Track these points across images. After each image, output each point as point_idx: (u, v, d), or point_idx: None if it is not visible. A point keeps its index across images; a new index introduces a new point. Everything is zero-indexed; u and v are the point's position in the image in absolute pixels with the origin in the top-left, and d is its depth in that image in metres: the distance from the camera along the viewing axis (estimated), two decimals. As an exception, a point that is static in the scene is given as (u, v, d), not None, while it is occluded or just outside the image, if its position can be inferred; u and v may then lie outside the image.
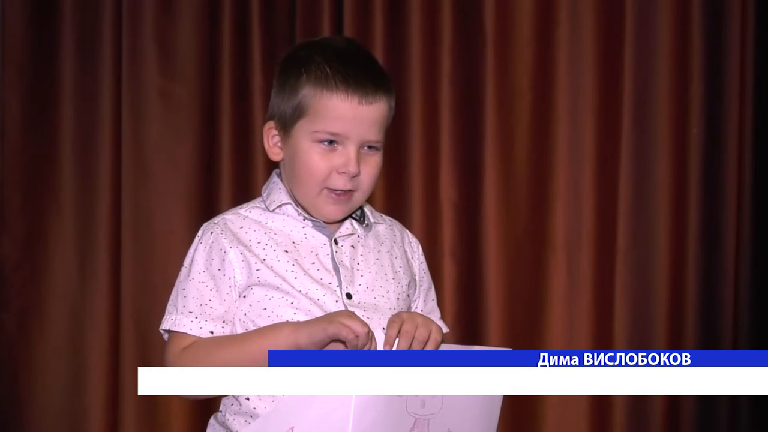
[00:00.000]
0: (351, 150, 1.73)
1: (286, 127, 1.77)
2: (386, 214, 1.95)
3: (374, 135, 1.75)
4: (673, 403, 3.20)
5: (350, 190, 1.76)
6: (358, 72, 1.74)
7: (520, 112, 3.25)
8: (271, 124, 1.80)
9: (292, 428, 1.61)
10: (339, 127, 1.73)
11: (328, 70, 1.73)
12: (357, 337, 1.59)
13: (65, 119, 3.29)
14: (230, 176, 3.27)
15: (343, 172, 1.74)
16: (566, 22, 3.21)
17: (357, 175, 1.74)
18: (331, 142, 1.74)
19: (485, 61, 3.22)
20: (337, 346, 1.62)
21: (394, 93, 1.79)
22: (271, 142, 1.81)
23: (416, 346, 1.63)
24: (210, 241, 1.76)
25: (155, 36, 3.30)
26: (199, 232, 1.79)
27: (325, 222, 1.79)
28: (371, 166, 1.76)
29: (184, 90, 3.31)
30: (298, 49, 1.83)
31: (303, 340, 1.63)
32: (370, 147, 1.76)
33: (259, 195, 1.86)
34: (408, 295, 1.84)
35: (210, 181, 3.30)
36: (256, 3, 3.27)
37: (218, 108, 3.28)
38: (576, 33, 3.22)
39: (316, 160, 1.74)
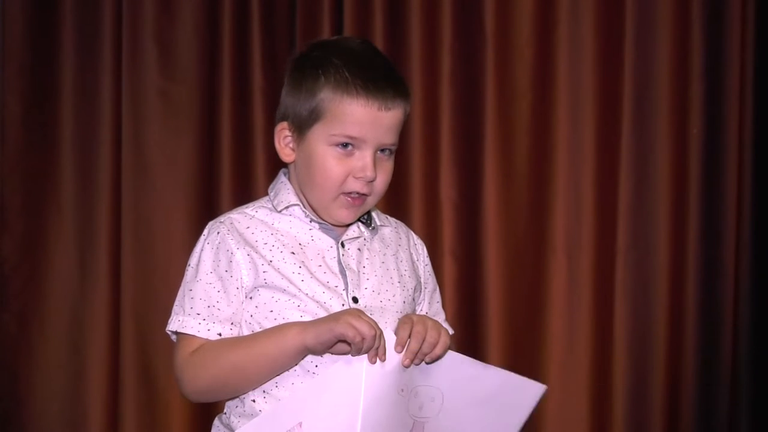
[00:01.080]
0: (368, 154, 1.72)
1: (300, 129, 1.75)
2: (387, 214, 1.94)
3: (390, 139, 1.75)
4: (673, 403, 3.20)
5: (365, 194, 1.75)
6: (378, 77, 1.72)
7: (520, 112, 3.25)
8: (283, 124, 1.78)
9: (300, 423, 1.61)
10: (357, 132, 1.71)
11: (347, 74, 1.71)
12: (363, 340, 1.59)
13: (65, 119, 3.29)
14: (230, 176, 3.27)
15: (360, 177, 1.73)
16: (566, 22, 3.21)
17: (374, 179, 1.74)
18: (346, 145, 1.72)
19: (485, 61, 3.22)
20: (343, 347, 1.62)
21: (410, 97, 1.78)
22: (283, 143, 1.79)
23: (426, 349, 1.63)
24: (217, 242, 1.74)
25: (155, 36, 3.30)
26: (205, 231, 1.77)
27: (334, 225, 1.78)
28: (385, 172, 1.76)
29: (184, 90, 3.31)
30: (312, 50, 1.80)
31: (310, 341, 1.63)
32: (384, 150, 1.75)
33: (261, 194, 1.84)
34: (413, 299, 1.84)
35: (210, 181, 3.30)
36: (256, 3, 3.27)
37: (218, 108, 3.28)
38: (576, 33, 3.22)
39: (332, 164, 1.73)
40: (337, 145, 1.72)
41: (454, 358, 1.66)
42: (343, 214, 1.76)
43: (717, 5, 3.19)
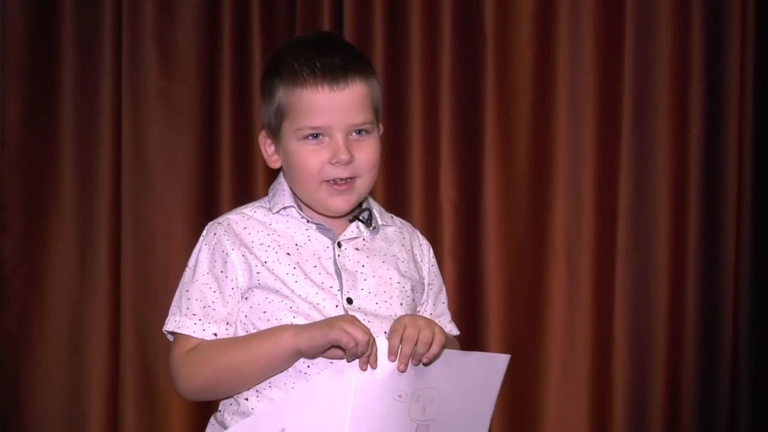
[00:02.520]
0: (338, 138, 1.71)
1: (274, 133, 1.77)
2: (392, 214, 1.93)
3: (359, 118, 1.73)
4: (673, 403, 3.20)
5: (350, 178, 1.73)
6: (325, 60, 1.71)
7: (520, 112, 3.25)
8: (263, 133, 1.80)
9: (283, 430, 1.61)
10: (320, 120, 1.71)
11: (296, 65, 1.71)
12: (357, 345, 1.58)
13: (65, 119, 3.29)
14: (230, 176, 3.27)
15: (336, 162, 1.71)
16: (566, 22, 3.21)
17: (351, 161, 1.72)
18: (316, 135, 1.72)
19: (485, 61, 3.22)
20: (337, 352, 1.62)
21: (371, 72, 1.76)
22: (269, 151, 1.80)
23: (421, 349, 1.62)
24: (213, 243, 1.75)
25: (155, 36, 3.30)
26: (204, 232, 1.78)
27: (334, 216, 1.78)
28: (367, 149, 1.74)
29: (184, 90, 3.31)
30: (274, 55, 1.82)
31: (303, 345, 1.63)
32: (359, 131, 1.74)
33: (261, 194, 1.86)
34: (413, 300, 1.82)
35: (210, 182, 3.30)
36: (256, 3, 3.27)
37: (218, 108, 3.28)
38: (576, 33, 3.21)
39: (306, 156, 1.72)
40: (306, 138, 1.72)
41: (442, 354, 1.67)
42: (336, 202, 1.75)
43: (717, 5, 3.18)
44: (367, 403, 1.60)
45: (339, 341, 1.59)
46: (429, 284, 1.88)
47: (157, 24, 3.30)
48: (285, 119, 1.74)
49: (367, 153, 1.74)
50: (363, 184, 1.76)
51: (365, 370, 1.60)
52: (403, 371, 1.61)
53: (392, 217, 1.89)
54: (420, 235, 1.92)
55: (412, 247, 1.88)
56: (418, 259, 1.88)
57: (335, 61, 1.72)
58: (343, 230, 1.79)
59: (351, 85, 1.72)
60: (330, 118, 1.71)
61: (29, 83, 3.30)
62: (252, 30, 3.27)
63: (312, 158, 1.72)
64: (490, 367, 1.73)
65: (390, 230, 1.86)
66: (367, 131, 1.74)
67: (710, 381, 3.20)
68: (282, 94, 1.73)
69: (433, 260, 1.91)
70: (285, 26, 3.29)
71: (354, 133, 1.73)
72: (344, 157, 1.71)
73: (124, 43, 3.28)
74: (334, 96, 1.71)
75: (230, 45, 3.27)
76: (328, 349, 1.62)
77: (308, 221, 1.78)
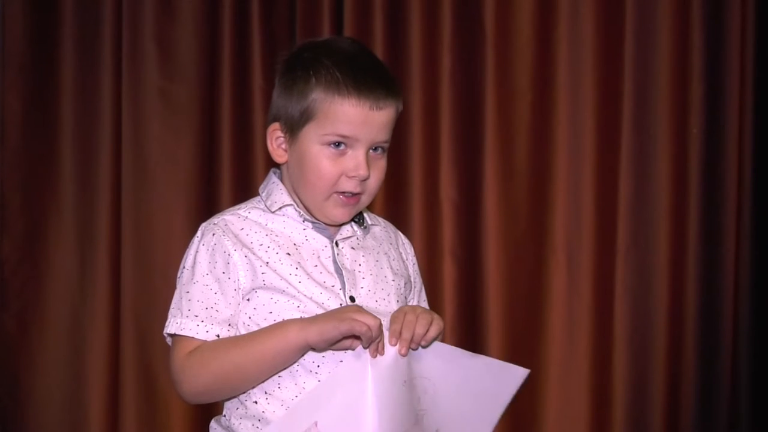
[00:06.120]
0: (360, 153, 1.73)
1: (293, 129, 1.76)
2: (386, 215, 1.96)
3: (383, 136, 1.75)
4: (673, 402, 3.20)
5: (358, 194, 1.75)
6: (369, 77, 1.73)
7: (520, 112, 3.25)
8: (276, 125, 1.78)
9: (316, 423, 1.63)
10: (349, 130, 1.72)
11: (339, 74, 1.72)
12: (371, 330, 1.60)
13: (65, 119, 3.29)
14: (230, 176, 3.27)
15: (354, 176, 1.73)
16: (566, 22, 3.21)
17: (367, 178, 1.74)
18: (339, 144, 1.73)
19: (485, 61, 3.22)
20: (346, 343, 1.63)
21: (401, 95, 1.79)
22: (276, 144, 1.79)
23: (420, 329, 1.65)
24: (212, 243, 1.74)
25: (155, 36, 3.30)
26: (199, 233, 1.77)
27: (328, 224, 1.79)
28: (379, 170, 1.76)
29: (184, 90, 3.31)
30: (303, 51, 1.80)
31: (313, 339, 1.64)
32: (377, 148, 1.76)
33: (258, 194, 1.85)
34: (405, 297, 1.85)
35: (210, 181, 3.30)
36: (256, 3, 3.27)
37: (218, 108, 3.28)
38: (576, 33, 3.22)
39: (325, 164, 1.73)
40: (329, 144, 1.73)
41: (442, 349, 1.69)
42: (338, 213, 1.77)
43: (717, 5, 3.19)
44: (383, 388, 1.63)
45: (353, 330, 1.61)
46: (413, 282, 1.90)
47: (157, 24, 3.30)
48: (311, 121, 1.73)
49: (379, 175, 1.77)
50: (366, 200, 1.79)
51: (375, 357, 1.63)
52: (403, 355, 1.64)
53: (375, 216, 1.91)
54: (401, 234, 1.95)
55: (398, 245, 1.90)
56: (404, 257, 1.91)
57: (379, 81, 1.74)
58: (339, 229, 1.80)
59: (386, 108, 1.74)
60: (359, 131, 1.72)
61: (29, 83, 3.30)
62: (252, 30, 3.27)
63: (331, 166, 1.73)
64: (504, 376, 1.74)
65: (377, 229, 1.88)
66: (384, 149, 1.77)
67: (710, 381, 3.20)
68: (317, 96, 1.72)
69: (414, 259, 1.94)
70: (285, 26, 3.29)
71: (372, 150, 1.75)
72: (364, 173, 1.73)
73: (124, 43, 3.28)
74: (371, 114, 1.72)
75: (230, 45, 3.27)
76: (340, 341, 1.63)
77: (305, 220, 1.78)
